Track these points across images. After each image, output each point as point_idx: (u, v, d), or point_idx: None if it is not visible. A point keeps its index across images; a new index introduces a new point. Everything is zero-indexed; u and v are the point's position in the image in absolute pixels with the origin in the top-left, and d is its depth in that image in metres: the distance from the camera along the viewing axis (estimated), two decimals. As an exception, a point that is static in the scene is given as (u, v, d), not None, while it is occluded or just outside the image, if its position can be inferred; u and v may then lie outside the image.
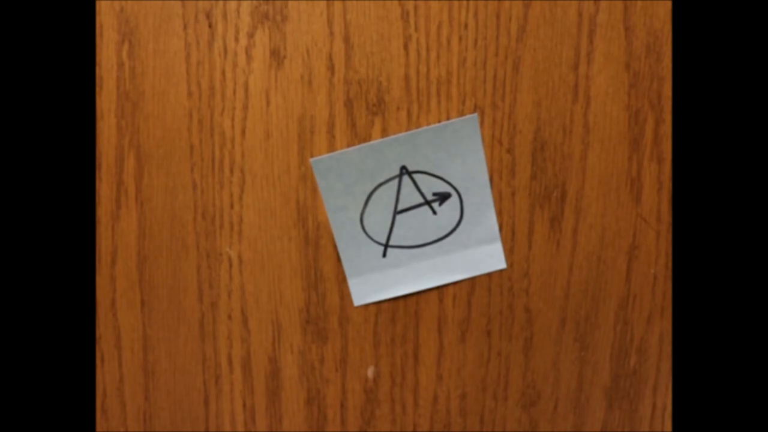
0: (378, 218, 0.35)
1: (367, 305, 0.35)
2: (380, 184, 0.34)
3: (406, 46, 0.33)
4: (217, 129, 0.34)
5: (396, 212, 0.35)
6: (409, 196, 0.34)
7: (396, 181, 0.34)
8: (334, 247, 0.35)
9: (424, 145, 0.34)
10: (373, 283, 0.35)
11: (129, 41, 0.34)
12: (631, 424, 0.36)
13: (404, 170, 0.34)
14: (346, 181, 0.34)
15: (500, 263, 0.35)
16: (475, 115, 0.33)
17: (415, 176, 0.34)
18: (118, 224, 0.35)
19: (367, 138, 0.34)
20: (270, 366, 0.36)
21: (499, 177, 0.34)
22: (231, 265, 0.35)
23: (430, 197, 0.34)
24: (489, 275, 0.35)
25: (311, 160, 0.34)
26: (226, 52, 0.34)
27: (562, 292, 0.35)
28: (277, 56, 0.34)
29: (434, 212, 0.35)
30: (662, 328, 0.35)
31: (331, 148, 0.34)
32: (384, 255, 0.35)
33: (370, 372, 0.36)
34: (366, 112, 0.34)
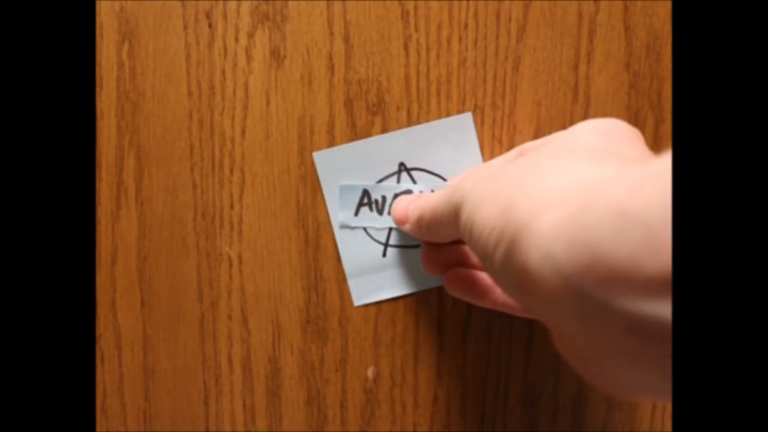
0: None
1: (367, 305, 0.35)
2: (380, 180, 0.34)
3: (406, 46, 0.33)
4: (217, 129, 0.34)
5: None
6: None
7: (395, 177, 0.34)
8: (334, 247, 0.35)
9: (420, 143, 0.34)
10: (373, 283, 0.35)
11: (129, 41, 0.34)
12: (631, 424, 0.36)
13: (403, 167, 0.34)
14: (348, 176, 0.34)
15: (500, 263, 0.35)
16: (469, 113, 0.33)
17: (414, 173, 0.34)
18: (118, 224, 0.35)
19: (367, 138, 0.34)
20: (270, 366, 0.36)
21: (499, 177, 0.34)
22: (231, 265, 0.35)
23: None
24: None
25: (313, 154, 0.34)
26: (226, 52, 0.34)
27: (562, 292, 0.35)
28: (277, 56, 0.34)
29: (434, 212, 0.35)
30: (662, 328, 0.35)
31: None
32: (384, 255, 0.35)
33: (370, 372, 0.36)
34: (366, 112, 0.34)
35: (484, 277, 0.31)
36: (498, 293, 0.31)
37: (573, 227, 0.18)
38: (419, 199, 0.30)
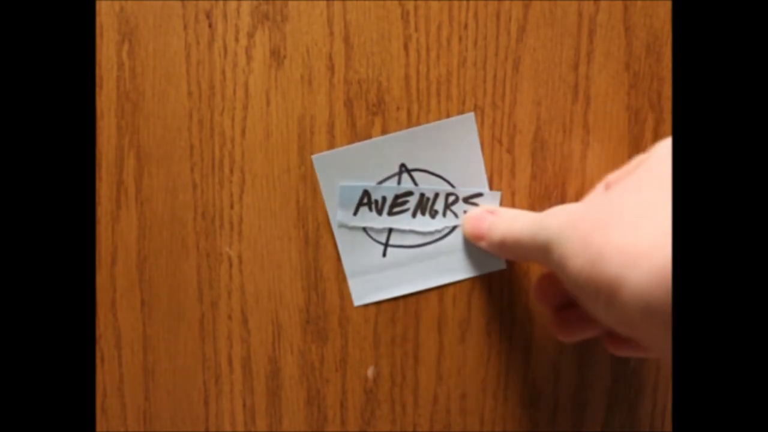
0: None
1: (367, 305, 0.35)
2: (380, 182, 0.34)
3: (406, 46, 0.33)
4: (217, 129, 0.34)
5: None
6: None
7: (395, 178, 0.34)
8: (334, 247, 0.35)
9: (422, 143, 0.34)
10: (373, 283, 0.35)
11: (129, 41, 0.34)
12: (631, 424, 0.36)
13: (403, 167, 0.34)
14: (347, 178, 0.34)
15: (500, 263, 0.35)
16: (472, 114, 0.33)
17: (414, 174, 0.34)
18: (118, 224, 0.35)
19: (367, 138, 0.34)
20: (270, 366, 0.36)
21: (499, 177, 0.34)
22: (231, 265, 0.35)
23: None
24: (489, 275, 0.35)
25: (312, 156, 0.34)
26: (226, 52, 0.34)
27: (562, 292, 0.35)
28: (277, 56, 0.34)
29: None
30: (662, 328, 0.35)
31: (331, 148, 0.34)
32: (384, 255, 0.35)
33: (370, 372, 0.36)
34: (366, 112, 0.34)
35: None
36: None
37: (668, 278, 0.19)
38: (495, 218, 0.31)
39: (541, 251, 0.26)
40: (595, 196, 0.28)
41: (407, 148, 0.34)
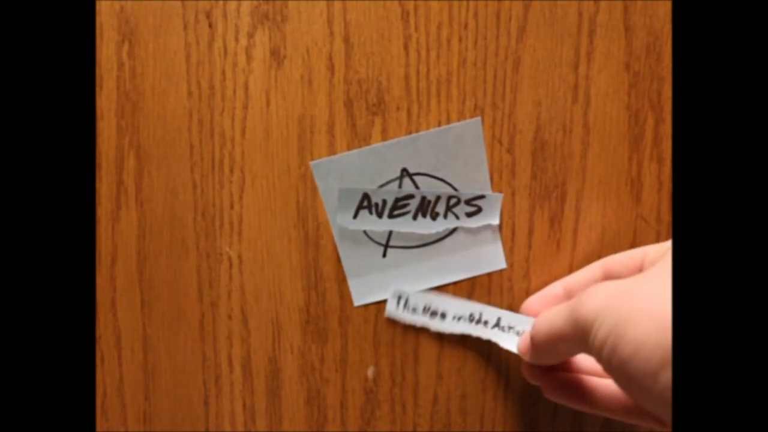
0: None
1: (367, 305, 0.35)
2: (381, 186, 0.34)
3: (406, 46, 0.33)
4: (217, 129, 0.34)
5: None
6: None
7: (396, 182, 0.34)
8: (334, 247, 0.35)
9: (426, 148, 0.34)
10: (373, 283, 0.35)
11: (129, 41, 0.34)
12: (631, 425, 0.36)
13: (405, 172, 0.34)
14: (347, 183, 0.34)
15: (500, 263, 0.35)
16: (479, 118, 0.33)
17: (416, 178, 0.34)
18: (118, 224, 0.35)
19: (367, 138, 0.34)
20: (270, 366, 0.36)
21: (499, 177, 0.34)
22: (231, 265, 0.35)
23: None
24: (489, 275, 0.35)
25: (311, 163, 0.34)
26: (226, 52, 0.34)
27: (562, 292, 0.35)
28: (277, 56, 0.34)
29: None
30: (662, 328, 0.35)
31: (331, 147, 0.34)
32: (384, 255, 0.35)
33: (370, 372, 0.36)
34: (366, 112, 0.34)
35: (585, 380, 0.31)
36: (598, 396, 0.30)
37: None
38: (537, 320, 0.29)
39: (579, 330, 0.24)
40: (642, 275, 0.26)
41: (410, 154, 0.34)
